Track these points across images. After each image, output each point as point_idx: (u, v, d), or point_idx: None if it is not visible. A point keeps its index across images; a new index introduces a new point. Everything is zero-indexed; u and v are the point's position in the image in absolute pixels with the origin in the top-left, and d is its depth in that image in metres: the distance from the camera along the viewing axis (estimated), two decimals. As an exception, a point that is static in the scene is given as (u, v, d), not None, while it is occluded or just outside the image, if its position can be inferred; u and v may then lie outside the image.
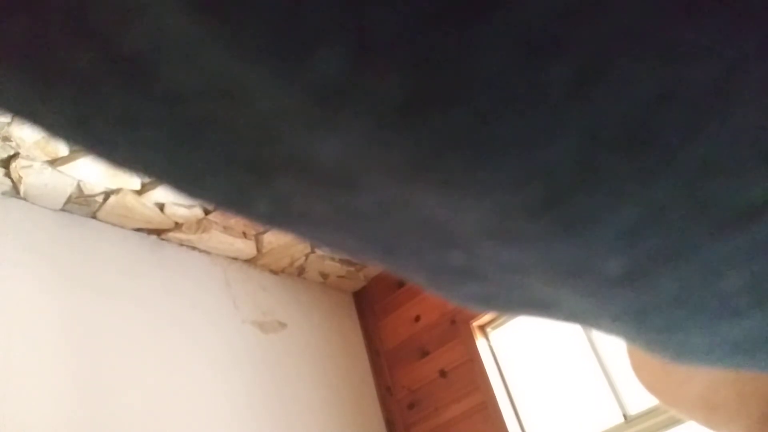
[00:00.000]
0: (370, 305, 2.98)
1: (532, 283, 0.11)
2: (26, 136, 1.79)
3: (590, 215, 0.09)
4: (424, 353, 2.67)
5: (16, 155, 1.87)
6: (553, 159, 0.08)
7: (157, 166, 0.10)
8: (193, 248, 2.44)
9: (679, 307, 0.11)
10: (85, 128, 0.09)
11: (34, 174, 1.92)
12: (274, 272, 2.72)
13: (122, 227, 2.23)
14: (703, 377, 0.21)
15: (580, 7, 0.06)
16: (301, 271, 2.79)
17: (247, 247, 2.53)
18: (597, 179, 0.08)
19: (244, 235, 2.47)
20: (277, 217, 0.10)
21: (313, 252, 2.64)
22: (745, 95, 0.07)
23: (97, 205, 2.12)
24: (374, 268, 2.74)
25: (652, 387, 0.24)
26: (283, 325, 2.57)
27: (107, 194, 2.09)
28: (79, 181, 2.01)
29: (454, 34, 0.07)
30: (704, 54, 0.07)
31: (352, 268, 2.84)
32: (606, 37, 0.07)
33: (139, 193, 2.12)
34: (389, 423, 2.64)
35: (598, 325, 0.12)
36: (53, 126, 0.09)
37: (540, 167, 0.08)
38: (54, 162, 1.92)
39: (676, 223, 0.09)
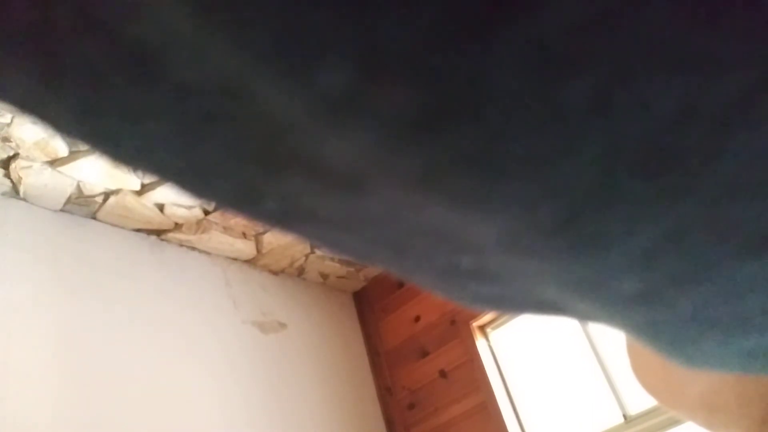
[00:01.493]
0: (370, 305, 2.97)
1: (544, 289, 0.11)
2: (26, 136, 1.79)
3: (607, 236, 0.09)
4: (424, 353, 2.67)
5: (15, 156, 1.86)
6: (569, 178, 0.08)
7: (162, 162, 0.10)
8: (193, 248, 2.43)
9: (694, 324, 0.11)
10: (91, 122, 0.09)
11: (33, 174, 1.92)
12: (274, 272, 2.72)
13: (122, 228, 2.23)
14: (703, 379, 0.21)
15: (599, 20, 0.06)
16: (301, 272, 2.79)
17: (247, 248, 2.53)
18: (615, 200, 0.08)
19: (244, 235, 2.47)
20: (283, 215, 0.10)
21: (313, 252, 2.64)
22: None
23: (97, 205, 2.12)
24: (374, 269, 2.74)
25: (651, 388, 0.24)
26: (283, 325, 2.56)
27: (107, 195, 2.09)
28: (78, 182, 2.00)
29: (466, 50, 0.06)
30: (729, 68, 0.06)
31: (352, 269, 2.84)
32: (626, 51, 0.06)
33: (139, 193, 2.12)
34: (389, 423, 2.64)
35: (610, 326, 0.12)
36: (59, 120, 0.09)
37: (556, 186, 0.08)
38: (54, 162, 1.91)
39: (696, 246, 0.09)
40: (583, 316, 0.12)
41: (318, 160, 0.09)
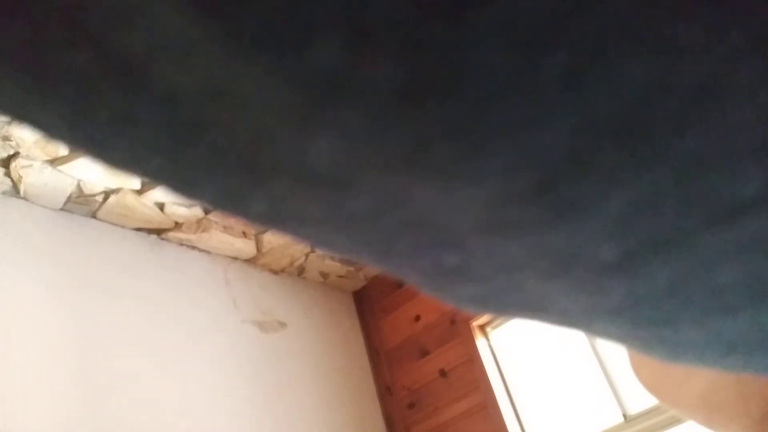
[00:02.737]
0: (370, 305, 2.98)
1: (526, 282, 0.11)
2: (26, 135, 1.79)
3: (582, 202, 0.09)
4: (424, 353, 2.67)
5: (16, 155, 1.87)
6: (545, 146, 0.08)
7: (153, 167, 0.10)
8: (193, 248, 2.44)
9: (671, 299, 0.11)
10: (82, 129, 0.09)
11: (34, 174, 1.93)
12: (274, 272, 2.72)
13: (122, 227, 2.23)
14: (703, 377, 0.21)
15: (571, 2, 0.06)
16: (301, 271, 2.79)
17: (247, 247, 2.53)
18: (589, 167, 0.08)
19: (244, 234, 2.47)
20: (272, 218, 0.11)
21: (313, 252, 2.64)
22: (737, 90, 0.07)
23: (97, 204, 2.12)
24: (374, 268, 2.74)
25: (651, 387, 0.24)
26: (283, 325, 2.57)
27: (107, 194, 2.09)
28: (79, 181, 2.01)
29: (447, 25, 0.07)
30: (696, 48, 0.07)
31: (352, 268, 2.85)
32: (599, 29, 0.07)
33: (139, 192, 2.13)
34: (389, 423, 2.65)
35: (591, 325, 0.12)
36: (50, 127, 0.09)
37: (533, 154, 0.08)
38: (54, 162, 1.92)
39: (668, 212, 0.09)
40: (565, 316, 0.12)
41: (304, 161, 0.09)
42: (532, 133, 0.08)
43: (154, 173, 0.10)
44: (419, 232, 0.10)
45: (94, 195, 2.08)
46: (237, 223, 2.41)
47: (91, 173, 1.99)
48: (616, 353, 2.12)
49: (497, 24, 0.07)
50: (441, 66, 0.07)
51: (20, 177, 1.92)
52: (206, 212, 2.29)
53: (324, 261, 2.75)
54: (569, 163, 0.08)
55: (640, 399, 2.04)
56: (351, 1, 0.07)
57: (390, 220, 0.10)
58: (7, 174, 1.92)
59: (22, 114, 0.09)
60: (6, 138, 1.79)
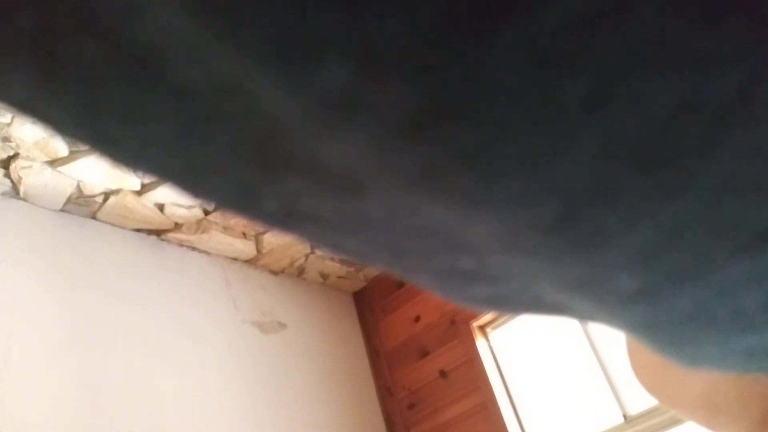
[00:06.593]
0: (370, 305, 2.97)
1: (542, 288, 0.11)
2: (26, 136, 1.79)
3: (604, 233, 0.09)
4: (424, 353, 2.67)
5: (16, 156, 1.86)
6: (566, 175, 0.08)
7: (162, 163, 0.10)
8: (193, 248, 2.43)
9: (692, 323, 0.11)
10: (91, 123, 0.09)
11: (33, 174, 1.92)
12: (274, 272, 2.72)
13: (122, 227, 2.23)
14: (703, 378, 0.21)
15: (596, 18, 0.06)
16: (301, 272, 2.79)
17: (247, 248, 2.53)
18: (612, 197, 0.08)
19: (244, 235, 2.47)
20: (282, 217, 0.10)
21: (313, 252, 2.64)
22: (764, 106, 0.07)
23: (97, 205, 2.12)
24: (374, 269, 2.73)
25: (651, 388, 0.24)
26: (283, 325, 2.56)
27: (107, 195, 2.09)
28: (78, 182, 2.00)
29: (463, 49, 0.06)
30: (724, 64, 0.06)
31: (352, 269, 2.84)
32: (622, 48, 0.06)
33: (139, 193, 2.12)
34: (389, 423, 2.64)
35: (609, 326, 0.12)
36: (58, 121, 0.09)
37: (553, 183, 0.08)
38: (54, 162, 1.91)
39: (693, 243, 0.09)
40: (582, 316, 0.12)
41: (316, 161, 0.09)
42: (552, 161, 0.07)
43: (164, 170, 0.10)
44: (433, 239, 0.10)
45: (94, 196, 2.08)
46: (237, 224, 2.40)
47: (91, 174, 1.99)
48: (616, 353, 2.12)
49: (515, 46, 0.06)
50: (455, 91, 0.07)
51: (20, 178, 1.92)
52: (206, 213, 2.29)
53: (324, 262, 2.74)
54: (591, 193, 0.08)
55: (641, 399, 2.03)
56: (363, 22, 0.06)
57: (403, 226, 0.10)
58: (7, 175, 1.91)
59: (30, 108, 0.09)
60: (6, 139, 1.79)
